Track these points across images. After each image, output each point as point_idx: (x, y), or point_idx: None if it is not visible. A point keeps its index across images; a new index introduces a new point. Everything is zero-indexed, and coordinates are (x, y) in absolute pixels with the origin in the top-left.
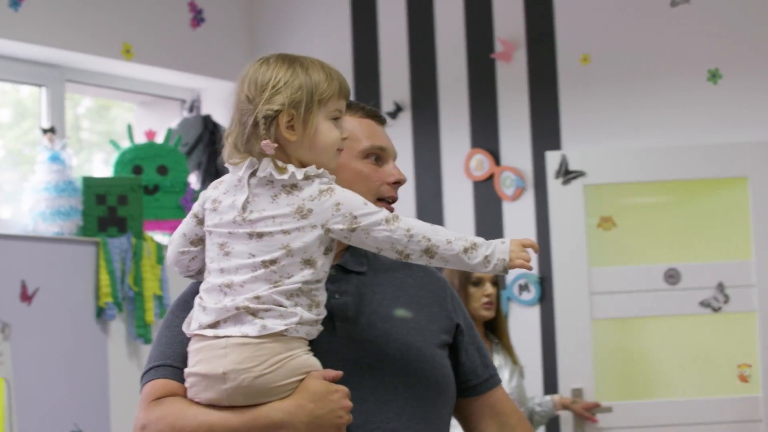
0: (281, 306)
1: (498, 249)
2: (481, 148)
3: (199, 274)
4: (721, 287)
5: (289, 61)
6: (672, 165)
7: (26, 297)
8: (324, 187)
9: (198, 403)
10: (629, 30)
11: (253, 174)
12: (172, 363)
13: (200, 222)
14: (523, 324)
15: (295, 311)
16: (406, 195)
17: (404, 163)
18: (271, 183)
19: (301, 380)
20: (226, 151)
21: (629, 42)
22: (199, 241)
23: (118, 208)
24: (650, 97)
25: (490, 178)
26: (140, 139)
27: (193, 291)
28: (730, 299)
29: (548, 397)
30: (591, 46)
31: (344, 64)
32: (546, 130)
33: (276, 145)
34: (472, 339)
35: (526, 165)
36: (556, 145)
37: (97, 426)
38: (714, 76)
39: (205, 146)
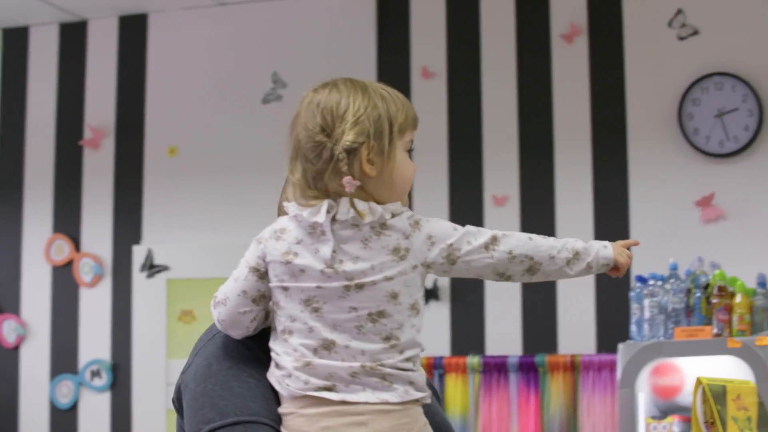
0: (407, 370)
1: (601, 254)
2: (62, 233)
3: (254, 333)
4: None
5: (362, 87)
6: None
7: None
8: (412, 221)
9: None
10: (219, 124)
11: (333, 218)
12: (267, 421)
13: (262, 277)
14: (94, 410)
15: (420, 370)
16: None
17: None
18: (356, 226)
19: None
20: (293, 191)
21: (217, 136)
22: (261, 298)
23: None
24: (233, 192)
25: (70, 263)
26: None
27: (235, 339)
28: None
29: None
30: (179, 138)
31: None
32: (128, 220)
33: (359, 183)
34: None
35: (107, 253)
36: (137, 235)
37: None
38: None
39: None
